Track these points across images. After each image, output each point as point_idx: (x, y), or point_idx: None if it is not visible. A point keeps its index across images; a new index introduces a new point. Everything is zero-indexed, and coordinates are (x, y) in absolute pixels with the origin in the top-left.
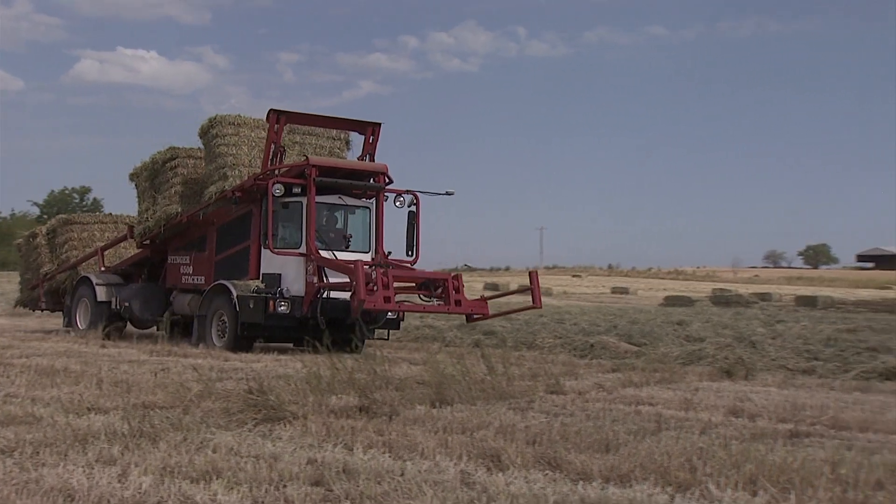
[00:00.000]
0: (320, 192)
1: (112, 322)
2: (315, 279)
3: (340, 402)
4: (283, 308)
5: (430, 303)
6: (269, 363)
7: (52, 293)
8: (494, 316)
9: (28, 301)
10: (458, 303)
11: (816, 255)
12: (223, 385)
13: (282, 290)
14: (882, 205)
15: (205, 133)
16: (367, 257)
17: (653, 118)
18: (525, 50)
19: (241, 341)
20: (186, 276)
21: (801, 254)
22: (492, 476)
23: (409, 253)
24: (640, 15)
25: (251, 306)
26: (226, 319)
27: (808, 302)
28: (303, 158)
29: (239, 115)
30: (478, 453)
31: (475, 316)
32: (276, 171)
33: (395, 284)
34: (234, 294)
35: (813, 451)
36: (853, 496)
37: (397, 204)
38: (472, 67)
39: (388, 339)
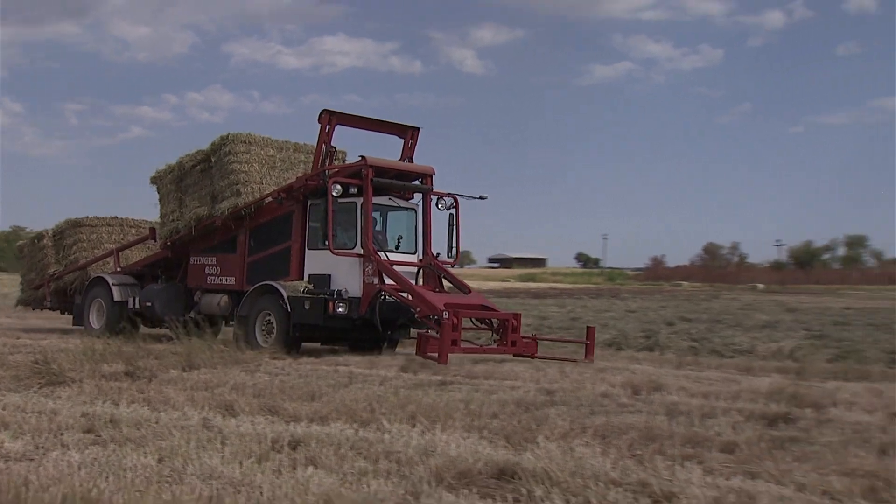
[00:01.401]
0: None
1: (128, 321)
2: (375, 280)
3: (111, 369)
4: (341, 309)
5: (490, 344)
6: (54, 340)
7: (59, 293)
8: (541, 358)
9: (31, 300)
10: (513, 343)
11: (463, 258)
12: (14, 357)
13: (340, 290)
14: (505, 222)
15: (216, 150)
16: (415, 258)
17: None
18: (258, 108)
19: (292, 341)
20: (213, 277)
21: None
22: (226, 421)
23: (450, 254)
24: (342, 86)
25: (307, 307)
26: (272, 320)
27: None
28: (359, 159)
29: (250, 134)
30: (216, 404)
31: (524, 355)
32: (326, 172)
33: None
34: (285, 295)
35: (453, 394)
36: (478, 423)
37: (439, 206)
38: (218, 119)
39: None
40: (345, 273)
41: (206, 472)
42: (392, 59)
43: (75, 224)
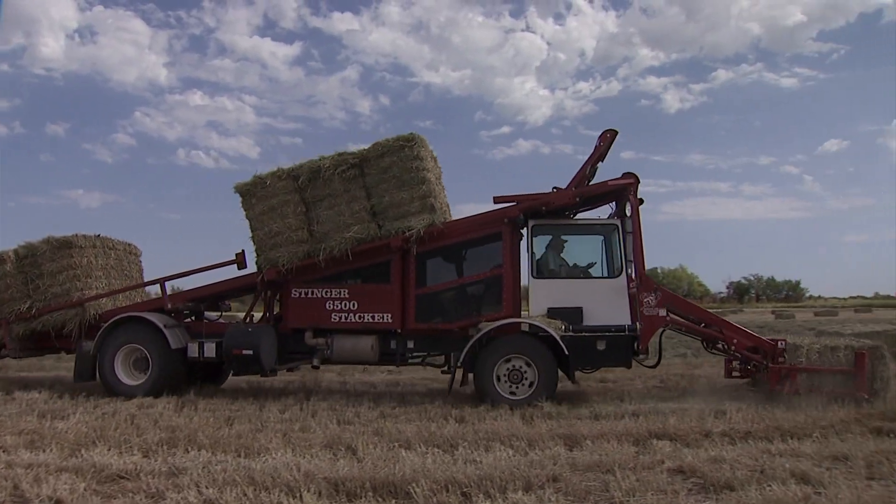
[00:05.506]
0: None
1: (191, 374)
2: (662, 312)
3: None
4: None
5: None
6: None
7: (30, 337)
8: (790, 391)
9: None
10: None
11: None
12: None
13: (630, 326)
14: None
15: (389, 152)
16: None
17: None
18: None
19: (556, 387)
20: (345, 315)
21: None
22: None
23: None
24: None
25: (602, 348)
26: (524, 366)
27: None
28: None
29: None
30: None
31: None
32: (578, 189)
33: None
34: (557, 336)
35: None
36: None
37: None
38: None
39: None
40: (608, 305)
41: None
42: None
43: (63, 245)
